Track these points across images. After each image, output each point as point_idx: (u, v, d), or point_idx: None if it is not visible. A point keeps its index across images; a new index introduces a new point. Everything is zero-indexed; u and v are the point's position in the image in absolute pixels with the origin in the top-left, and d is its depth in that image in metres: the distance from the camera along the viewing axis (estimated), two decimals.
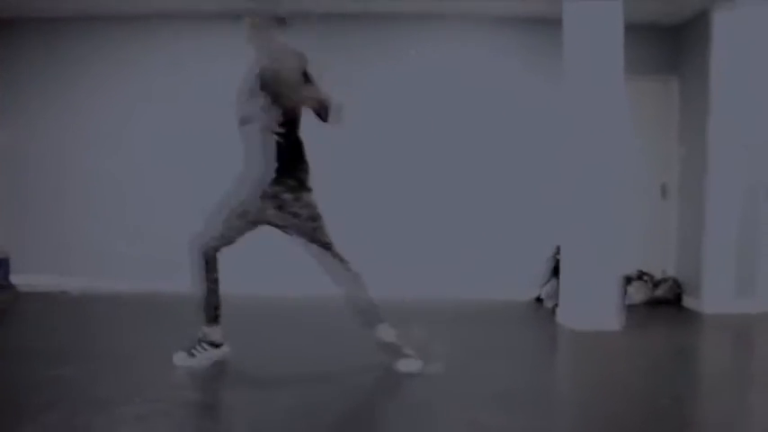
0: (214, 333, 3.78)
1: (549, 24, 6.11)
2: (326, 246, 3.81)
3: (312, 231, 3.76)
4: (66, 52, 6.75)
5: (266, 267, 6.13)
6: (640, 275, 6.37)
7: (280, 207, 3.68)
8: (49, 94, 6.74)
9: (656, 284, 6.34)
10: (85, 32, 6.72)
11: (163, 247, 6.33)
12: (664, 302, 6.27)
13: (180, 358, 3.75)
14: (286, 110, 3.61)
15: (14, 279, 6.50)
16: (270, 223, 3.73)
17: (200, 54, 6.62)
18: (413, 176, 6.58)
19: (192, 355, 3.75)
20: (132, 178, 6.65)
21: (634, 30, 5.61)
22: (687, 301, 6.23)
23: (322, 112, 3.73)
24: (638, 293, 6.29)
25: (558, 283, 5.90)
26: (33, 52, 6.76)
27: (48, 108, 6.74)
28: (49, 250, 6.65)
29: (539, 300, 6.28)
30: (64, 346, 4.21)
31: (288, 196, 3.67)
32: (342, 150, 6.19)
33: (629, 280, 6.26)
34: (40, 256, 6.63)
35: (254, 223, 3.71)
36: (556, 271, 6.03)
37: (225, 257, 3.74)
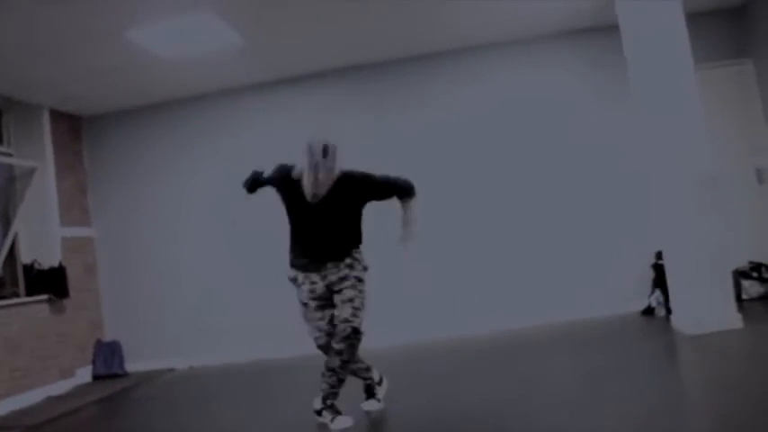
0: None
1: (602, 32, 6.03)
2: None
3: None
4: (143, 141, 7.08)
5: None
6: (753, 267, 6.03)
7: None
8: (132, 185, 7.07)
9: None
10: (158, 119, 7.06)
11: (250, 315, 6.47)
12: None
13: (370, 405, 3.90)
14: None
15: (128, 366, 6.75)
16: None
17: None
18: (495, 206, 6.51)
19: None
20: (213, 252, 6.83)
21: (697, 18, 5.45)
22: None
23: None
24: (753, 286, 5.95)
25: (665, 290, 5.67)
26: (114, 145, 7.12)
27: (133, 198, 7.06)
28: (153, 335, 6.86)
29: (648, 310, 6.02)
30: (184, 427, 4.27)
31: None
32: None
33: (742, 274, 5.94)
34: (147, 341, 6.85)
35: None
36: (660, 278, 5.79)
37: None
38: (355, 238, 3.79)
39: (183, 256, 6.92)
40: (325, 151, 3.58)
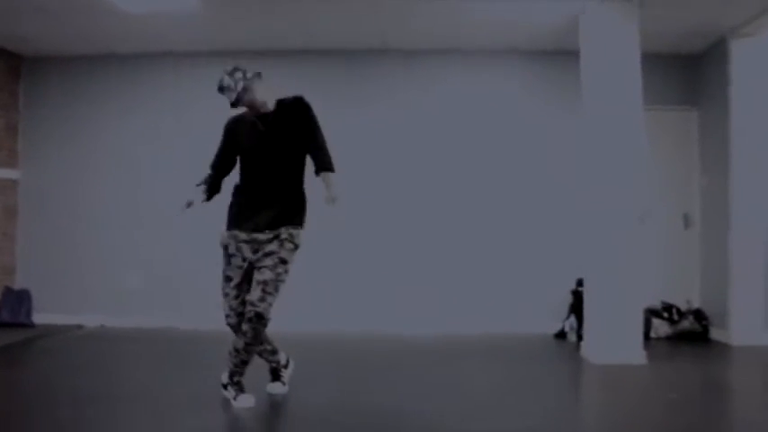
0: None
1: (568, 56, 6.16)
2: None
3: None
4: (83, 91, 6.85)
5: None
6: (665, 308, 6.26)
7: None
8: (66, 133, 6.84)
9: (680, 316, 6.22)
10: (101, 71, 6.85)
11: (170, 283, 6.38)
12: (689, 335, 6.13)
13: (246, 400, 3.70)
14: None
15: (36, 317, 6.54)
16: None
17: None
18: (432, 209, 6.56)
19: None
20: (142, 213, 6.69)
21: (652, 59, 5.61)
22: (714, 333, 6.10)
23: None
24: (662, 326, 6.18)
25: (580, 317, 5.83)
26: (53, 90, 6.87)
27: (65, 147, 6.83)
28: (66, 288, 6.67)
29: (561, 334, 6.18)
30: (85, 385, 4.18)
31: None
32: (362, 182, 6.19)
33: (653, 312, 6.15)
34: (58, 294, 6.65)
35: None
36: (578, 304, 5.95)
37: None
38: (297, 204, 3.75)
39: (107, 212, 6.72)
40: (234, 71, 3.63)
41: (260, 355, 3.84)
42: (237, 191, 3.82)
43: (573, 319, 6.07)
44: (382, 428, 3.38)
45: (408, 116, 6.66)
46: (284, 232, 3.66)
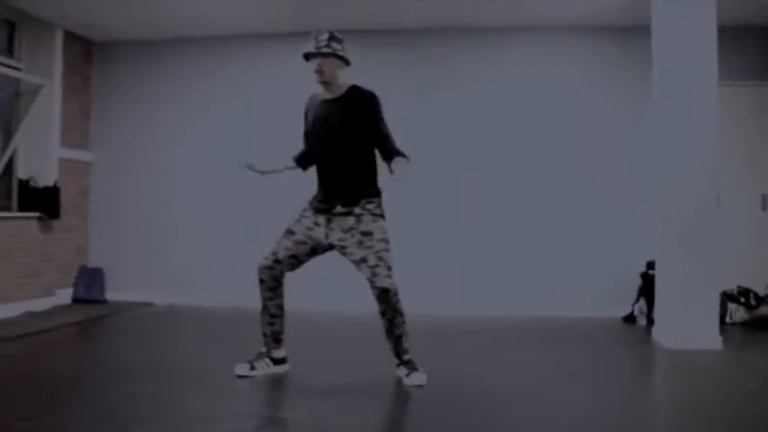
0: (277, 352, 3.86)
1: (632, 33, 5.95)
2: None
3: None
4: (151, 74, 7.00)
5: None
6: (741, 292, 6.00)
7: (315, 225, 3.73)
8: (136, 116, 7.01)
9: (758, 301, 5.96)
10: (170, 54, 6.98)
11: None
12: (767, 321, 5.87)
13: (242, 369, 3.78)
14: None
15: (108, 294, 6.76)
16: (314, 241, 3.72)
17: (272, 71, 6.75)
18: (499, 192, 6.47)
19: (254, 368, 3.79)
20: (209, 194, 6.81)
21: (726, 31, 5.34)
22: None
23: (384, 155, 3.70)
24: (738, 311, 5.93)
25: (650, 300, 5.65)
26: (122, 74, 7.04)
27: (135, 129, 7.00)
28: (137, 267, 6.87)
29: (630, 317, 6.01)
30: (152, 360, 4.30)
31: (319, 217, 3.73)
32: (424, 166, 6.12)
33: (729, 297, 5.91)
34: (129, 272, 6.86)
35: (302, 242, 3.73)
36: (648, 288, 5.77)
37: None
38: (370, 178, 3.73)
39: (177, 194, 6.88)
40: (331, 36, 3.65)
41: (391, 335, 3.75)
42: (316, 169, 3.84)
43: (643, 302, 5.89)
44: (490, 403, 3.39)
45: (474, 97, 6.54)
46: (356, 208, 3.65)
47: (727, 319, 5.85)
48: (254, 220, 6.52)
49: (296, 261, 3.73)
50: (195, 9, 6.08)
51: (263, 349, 3.85)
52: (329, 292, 6.11)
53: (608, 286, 6.23)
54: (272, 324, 3.80)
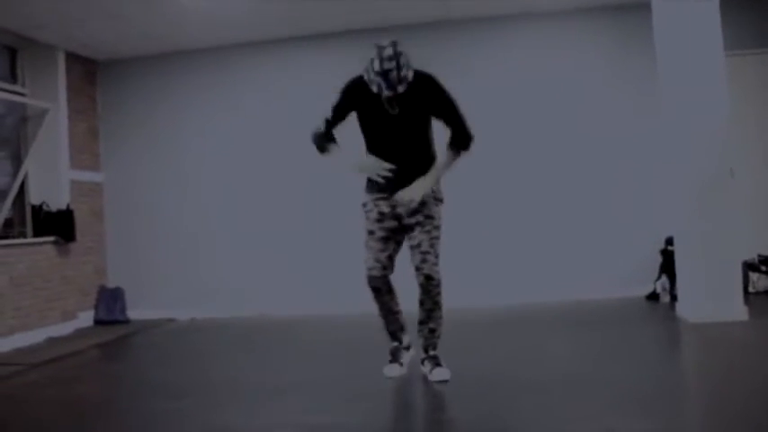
0: (405, 340, 3.86)
1: (628, 10, 5.91)
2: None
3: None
4: (155, 89, 7.00)
5: None
6: (762, 260, 5.97)
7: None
8: (143, 134, 7.02)
9: None
10: (178, 66, 6.98)
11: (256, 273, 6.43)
12: None
13: (392, 370, 3.77)
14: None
15: (130, 313, 6.79)
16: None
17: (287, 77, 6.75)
18: (512, 181, 6.45)
19: (401, 364, 3.81)
20: (220, 208, 6.82)
21: (729, 1, 5.30)
22: None
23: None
24: (761, 280, 5.90)
25: (672, 276, 5.63)
26: (127, 92, 7.05)
27: (144, 148, 7.01)
28: (156, 284, 6.88)
29: (653, 295, 5.98)
30: (178, 377, 4.30)
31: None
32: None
33: (750, 266, 5.88)
34: (149, 290, 6.87)
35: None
36: (668, 264, 5.74)
37: None
38: (430, 161, 3.64)
39: (190, 208, 6.90)
40: (396, 48, 3.31)
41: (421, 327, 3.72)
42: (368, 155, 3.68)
43: (665, 278, 5.86)
44: (527, 391, 3.38)
45: (483, 85, 6.46)
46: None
47: (750, 289, 5.81)
48: (268, 229, 6.54)
49: (394, 255, 3.68)
50: (193, 21, 6.07)
51: (394, 344, 3.83)
52: (333, 294, 6.10)
53: (629, 266, 6.21)
54: (397, 320, 3.80)
